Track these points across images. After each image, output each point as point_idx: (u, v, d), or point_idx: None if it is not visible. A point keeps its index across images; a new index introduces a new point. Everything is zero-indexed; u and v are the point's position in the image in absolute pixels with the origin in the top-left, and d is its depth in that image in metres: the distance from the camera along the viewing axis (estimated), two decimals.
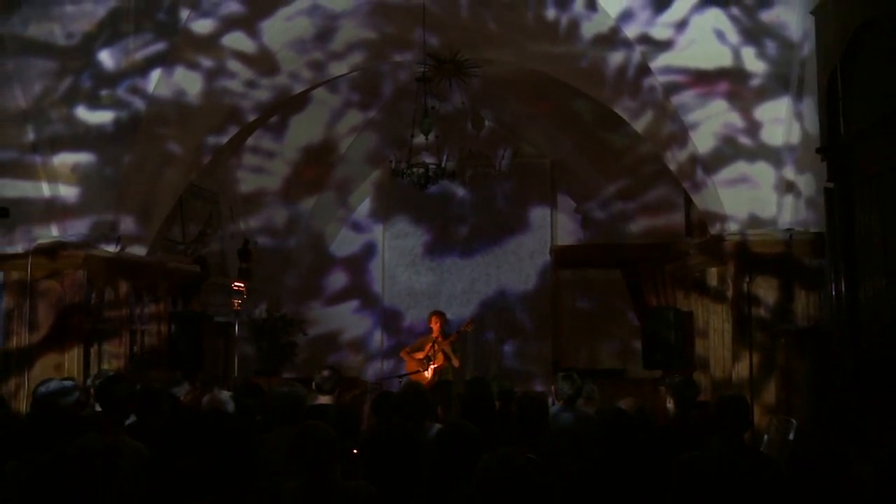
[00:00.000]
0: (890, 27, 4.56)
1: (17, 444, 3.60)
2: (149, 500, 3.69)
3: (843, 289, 5.32)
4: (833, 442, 5.44)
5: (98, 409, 4.77)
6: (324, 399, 5.17)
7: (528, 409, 4.49)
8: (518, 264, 11.72)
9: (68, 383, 4.61)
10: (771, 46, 6.36)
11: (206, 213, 9.97)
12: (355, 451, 4.00)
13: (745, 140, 6.70)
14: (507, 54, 8.36)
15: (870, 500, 2.84)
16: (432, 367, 9.48)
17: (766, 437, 6.17)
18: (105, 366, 7.23)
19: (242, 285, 9.20)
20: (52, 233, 7.19)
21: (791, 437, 5.81)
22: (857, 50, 5.07)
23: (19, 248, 7.10)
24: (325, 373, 5.24)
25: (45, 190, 7.10)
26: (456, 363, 9.62)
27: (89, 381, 6.23)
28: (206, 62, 7.29)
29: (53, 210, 7.17)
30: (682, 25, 6.43)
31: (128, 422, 4.45)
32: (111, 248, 7.40)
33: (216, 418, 4.27)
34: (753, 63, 6.42)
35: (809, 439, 5.89)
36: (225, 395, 5.08)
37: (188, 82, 7.30)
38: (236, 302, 9.00)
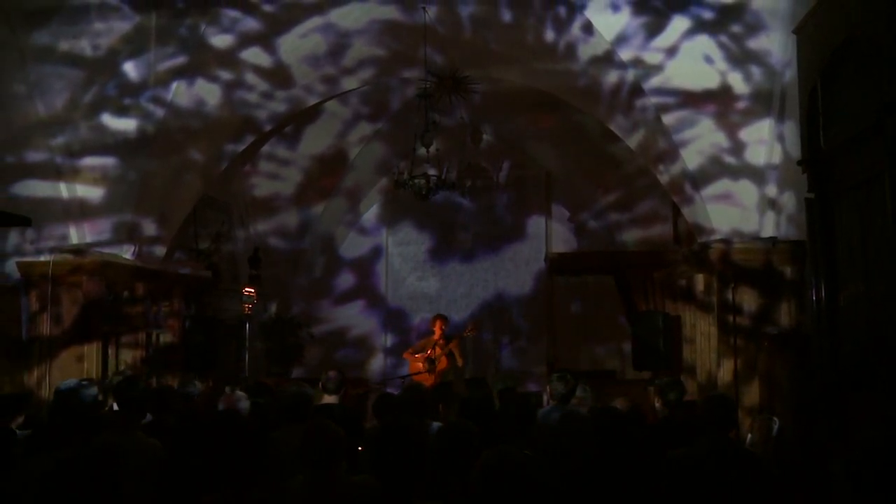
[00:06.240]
0: (868, 45, 4.54)
1: (39, 441, 3.57)
2: (164, 494, 3.66)
3: (824, 294, 5.27)
4: (813, 440, 5.40)
5: (115, 408, 4.74)
6: (329, 398, 5.16)
7: (515, 408, 4.45)
8: (515, 270, 11.75)
9: (86, 383, 4.59)
10: (756, 72, 6.36)
11: (218, 223, 9.97)
12: (360, 448, 3.98)
13: (730, 159, 6.71)
14: (508, 72, 8.36)
15: (847, 495, 2.82)
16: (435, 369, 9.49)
17: (749, 436, 6.13)
18: (122, 366, 7.21)
19: (253, 291, 9.17)
20: (75, 235, 7.15)
21: (773, 435, 5.78)
22: (836, 66, 5.05)
23: (43, 252, 7.06)
24: (331, 374, 5.28)
25: (70, 194, 7.06)
26: (460, 362, 9.62)
27: (107, 381, 6.21)
28: (225, 75, 7.29)
29: (77, 214, 7.14)
30: (673, 50, 6.44)
31: (144, 420, 4.42)
32: (128, 255, 7.37)
33: (229, 417, 4.24)
34: (739, 87, 6.42)
35: (791, 438, 5.85)
36: (240, 394, 5.05)
37: (208, 93, 7.30)
38: (247, 306, 8.98)
